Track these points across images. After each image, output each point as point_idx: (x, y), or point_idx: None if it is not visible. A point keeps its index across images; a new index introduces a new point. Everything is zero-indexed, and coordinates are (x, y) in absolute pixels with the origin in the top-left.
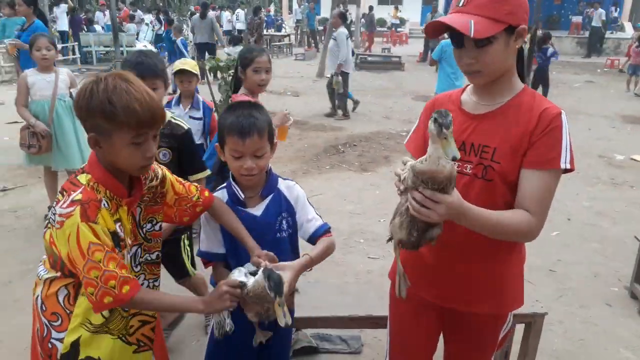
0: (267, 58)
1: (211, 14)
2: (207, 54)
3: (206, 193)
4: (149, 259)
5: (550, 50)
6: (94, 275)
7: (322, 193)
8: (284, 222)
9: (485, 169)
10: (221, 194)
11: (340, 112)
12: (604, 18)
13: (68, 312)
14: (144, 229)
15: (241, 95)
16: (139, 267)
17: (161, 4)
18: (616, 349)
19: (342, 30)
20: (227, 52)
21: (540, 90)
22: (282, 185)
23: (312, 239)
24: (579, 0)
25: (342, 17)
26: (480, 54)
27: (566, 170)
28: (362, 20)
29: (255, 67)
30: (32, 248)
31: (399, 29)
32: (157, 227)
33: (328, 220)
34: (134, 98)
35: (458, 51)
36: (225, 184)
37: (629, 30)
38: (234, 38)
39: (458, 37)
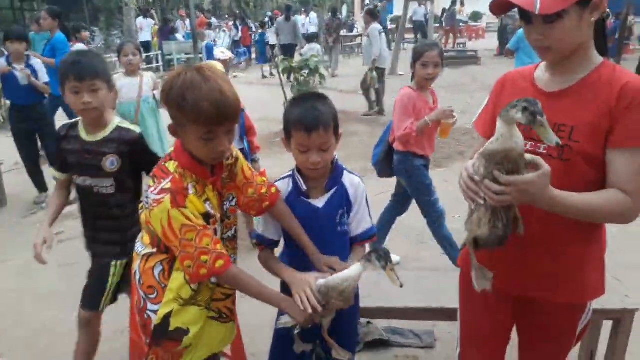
0: (438, 53)
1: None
2: (290, 56)
3: (273, 189)
4: (230, 235)
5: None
6: (189, 251)
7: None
8: (345, 216)
9: (562, 149)
10: (285, 184)
11: (377, 108)
12: None
13: (163, 286)
14: (225, 207)
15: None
16: (226, 243)
17: (237, 11)
18: None
19: (375, 26)
20: (300, 53)
21: None
22: (346, 179)
23: (355, 239)
24: None
25: (372, 14)
26: (549, 30)
27: None
28: (444, 15)
29: (424, 61)
30: None
31: (474, 24)
32: (233, 203)
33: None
34: (204, 95)
35: (527, 27)
36: (289, 174)
37: None
38: (309, 37)
39: (525, 13)
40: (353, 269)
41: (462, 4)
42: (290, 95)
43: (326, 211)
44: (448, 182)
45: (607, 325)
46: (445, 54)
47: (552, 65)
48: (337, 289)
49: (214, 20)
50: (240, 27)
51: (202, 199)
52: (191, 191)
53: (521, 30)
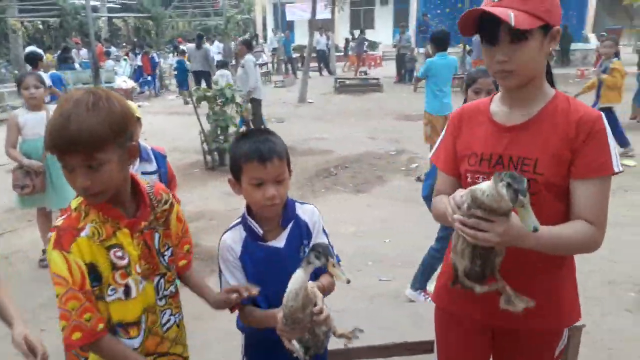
0: (492, 80)
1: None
2: (203, 81)
3: (186, 247)
4: (172, 290)
5: None
6: (59, 307)
7: (322, 216)
8: (306, 249)
9: (528, 182)
10: (236, 232)
11: None
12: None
13: (83, 359)
14: (165, 257)
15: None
16: (163, 301)
17: (135, 39)
18: None
19: (249, 57)
20: (213, 80)
21: None
22: (300, 210)
23: (320, 269)
24: None
25: (248, 45)
26: (514, 51)
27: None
28: (351, 43)
29: (476, 88)
30: (27, 296)
31: (372, 52)
32: (169, 253)
33: (333, 243)
34: (52, 120)
35: (490, 50)
36: (238, 221)
37: (593, 41)
38: (219, 64)
39: (492, 34)
40: (294, 276)
41: (363, 32)
42: (206, 124)
43: (288, 250)
44: (372, 207)
45: None
46: (348, 82)
47: (508, 98)
48: (292, 301)
49: (112, 49)
50: (140, 55)
51: (105, 243)
52: (85, 233)
53: (430, 60)
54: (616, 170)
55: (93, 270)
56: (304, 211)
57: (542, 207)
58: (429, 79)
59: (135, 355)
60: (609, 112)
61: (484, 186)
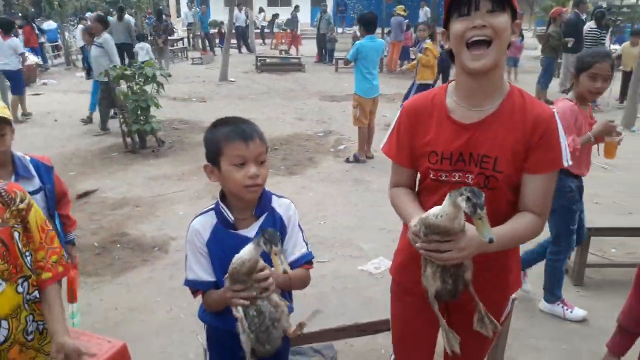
0: (610, 64)
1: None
2: (125, 54)
3: (60, 268)
4: (37, 295)
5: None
6: None
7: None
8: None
9: (488, 179)
10: (207, 217)
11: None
12: None
13: None
14: (28, 258)
15: None
16: (27, 306)
17: (32, 10)
18: (562, 321)
19: (108, 36)
20: (134, 51)
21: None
22: (276, 203)
23: (291, 266)
24: None
25: (102, 22)
26: (492, 18)
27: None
28: (277, 21)
29: (592, 73)
30: None
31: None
32: (32, 256)
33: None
34: None
35: (465, 20)
36: (211, 207)
37: None
38: (137, 36)
39: (471, 1)
40: (245, 250)
41: (262, 10)
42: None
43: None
44: (306, 189)
45: None
46: (269, 60)
47: (467, 90)
48: (237, 265)
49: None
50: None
51: None
52: None
53: (359, 43)
54: (565, 164)
55: None
56: (280, 204)
57: (500, 201)
58: (358, 62)
59: None
60: (428, 87)
61: (437, 210)
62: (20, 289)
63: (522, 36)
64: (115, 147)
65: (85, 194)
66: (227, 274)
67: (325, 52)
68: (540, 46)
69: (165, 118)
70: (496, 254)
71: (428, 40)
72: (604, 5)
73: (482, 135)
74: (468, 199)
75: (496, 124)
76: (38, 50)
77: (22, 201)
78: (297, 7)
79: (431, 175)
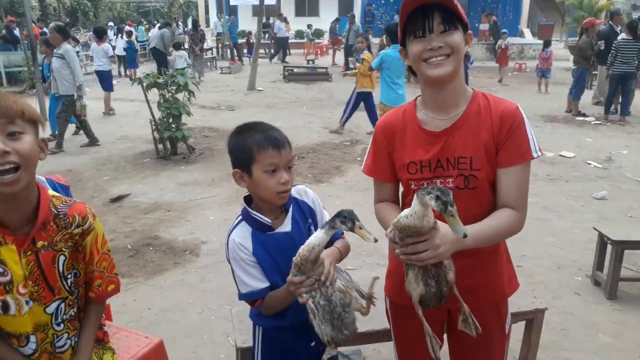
0: None
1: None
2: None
3: (111, 287)
4: (72, 314)
5: (471, 56)
6: None
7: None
8: (312, 227)
9: (467, 179)
10: (242, 229)
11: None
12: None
13: None
14: (69, 280)
15: None
16: (62, 326)
17: (68, 20)
18: (595, 335)
19: (68, 46)
20: (170, 59)
21: None
22: (294, 192)
23: (331, 241)
24: (482, 10)
25: (62, 32)
26: (447, 37)
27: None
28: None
29: None
30: None
31: (318, 41)
32: (74, 276)
33: None
34: None
35: (422, 41)
36: (240, 218)
37: (528, 36)
38: (175, 45)
39: (425, 24)
40: (317, 235)
41: (287, 22)
42: (157, 112)
43: (296, 232)
44: (333, 197)
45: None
46: (296, 70)
47: (433, 101)
48: (305, 251)
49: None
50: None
51: None
52: None
53: (384, 52)
54: (535, 155)
55: None
56: (298, 192)
57: (482, 202)
58: (383, 71)
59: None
60: (367, 96)
61: (405, 211)
62: (49, 310)
63: (368, 48)
64: (148, 153)
65: (119, 198)
66: (293, 264)
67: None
68: (572, 57)
69: (195, 126)
70: (481, 257)
71: (366, 51)
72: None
73: (454, 139)
74: (437, 198)
75: (465, 126)
76: None
77: (78, 226)
78: (337, 19)
79: (413, 186)
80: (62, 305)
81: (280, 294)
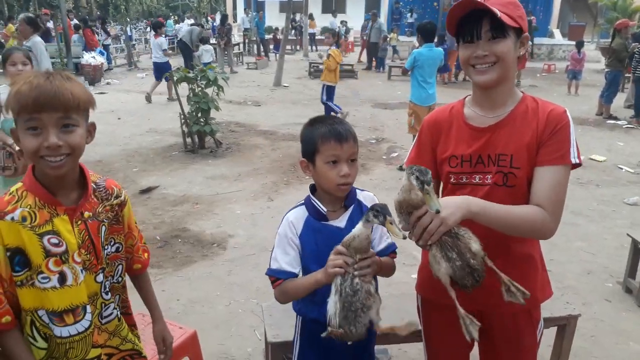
0: None
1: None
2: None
3: (146, 254)
4: (114, 281)
5: None
6: None
7: None
8: None
9: (506, 176)
10: (300, 211)
11: None
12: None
13: None
14: (106, 251)
15: None
16: (109, 295)
17: (98, 13)
18: (626, 343)
19: (37, 39)
20: (197, 54)
21: None
22: (361, 196)
23: (378, 255)
24: None
25: (33, 24)
26: (494, 46)
27: (574, 166)
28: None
29: None
30: None
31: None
32: (114, 249)
33: None
34: (28, 82)
35: (469, 47)
36: (301, 202)
37: (558, 37)
38: (202, 39)
39: (473, 31)
40: (356, 227)
41: (312, 19)
42: (186, 106)
43: (349, 230)
44: (377, 188)
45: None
46: (322, 67)
47: (482, 100)
48: (349, 239)
49: (75, 21)
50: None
51: (38, 230)
52: (14, 217)
53: (416, 51)
54: (573, 161)
55: (20, 255)
56: (365, 197)
57: (517, 199)
58: (414, 70)
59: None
60: (330, 89)
61: (399, 190)
62: (98, 279)
63: (336, 44)
64: (176, 146)
65: (148, 189)
66: (334, 250)
67: (377, 61)
68: (603, 59)
69: (222, 120)
70: (512, 259)
71: (333, 47)
72: None
73: (498, 136)
74: (417, 178)
75: (510, 124)
76: (103, 52)
77: (117, 197)
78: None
79: (452, 180)
80: (102, 275)
81: (306, 281)
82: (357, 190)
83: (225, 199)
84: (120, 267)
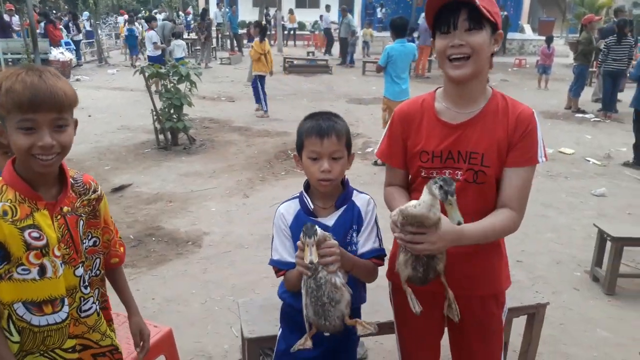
0: None
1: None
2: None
3: (122, 249)
4: (93, 275)
5: None
6: None
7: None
8: (354, 235)
9: (477, 174)
10: (292, 204)
11: None
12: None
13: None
14: (84, 245)
15: None
16: (88, 289)
17: (67, 7)
18: (594, 330)
19: None
20: (169, 49)
21: None
22: (356, 197)
23: (361, 256)
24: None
25: None
26: (470, 36)
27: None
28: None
29: None
30: None
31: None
32: (91, 243)
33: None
34: (19, 79)
35: (445, 37)
36: (296, 195)
37: (529, 32)
38: (175, 33)
39: (450, 20)
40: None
41: (292, 13)
42: (158, 103)
43: (336, 229)
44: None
45: (518, 318)
46: (296, 62)
47: (454, 94)
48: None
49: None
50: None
51: (19, 224)
52: None
53: (389, 47)
54: (540, 161)
55: (0, 249)
56: (360, 199)
57: (487, 198)
58: (388, 65)
59: (10, 357)
60: (260, 78)
61: (413, 201)
62: (77, 273)
63: (260, 36)
64: (149, 143)
65: (120, 188)
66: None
67: (343, 55)
68: (572, 54)
69: (196, 116)
70: (483, 246)
71: (256, 39)
72: None
73: (469, 133)
74: (440, 187)
75: (481, 123)
76: (69, 42)
77: (94, 192)
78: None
79: (422, 174)
80: (82, 269)
81: (294, 273)
82: (355, 192)
83: (200, 196)
84: (97, 260)
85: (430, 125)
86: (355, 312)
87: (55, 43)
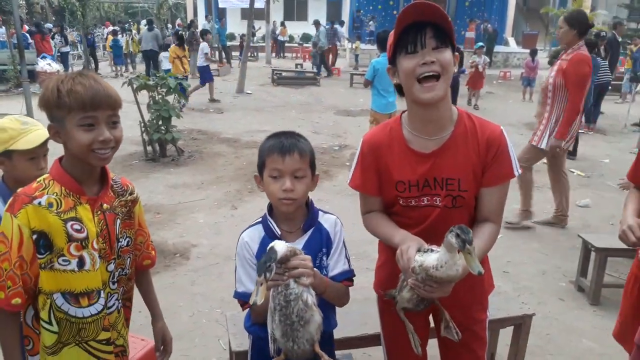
0: None
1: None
2: (151, 62)
3: (153, 252)
4: (122, 273)
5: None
6: None
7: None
8: (324, 258)
9: (455, 199)
10: (255, 230)
11: None
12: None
13: (37, 332)
14: (119, 244)
15: None
16: (116, 285)
17: (54, 18)
18: (579, 340)
19: None
20: (159, 60)
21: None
22: (323, 219)
23: (332, 280)
24: (469, 19)
25: None
26: (439, 54)
27: None
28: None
29: None
30: None
31: (306, 45)
32: (125, 243)
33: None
34: (77, 81)
35: (415, 57)
36: (259, 220)
37: (513, 45)
38: (162, 45)
39: (417, 39)
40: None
41: (284, 26)
42: (146, 114)
43: (305, 254)
44: (322, 202)
45: (505, 329)
46: (284, 74)
47: (421, 120)
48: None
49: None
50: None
51: (63, 216)
52: (41, 202)
53: (375, 61)
54: (515, 174)
55: (43, 238)
56: (326, 220)
57: (463, 216)
58: (374, 79)
59: (18, 355)
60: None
61: (435, 261)
62: (110, 268)
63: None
64: (136, 155)
65: None
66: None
67: (322, 67)
68: None
69: (184, 128)
70: None
71: (172, 46)
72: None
73: (443, 161)
74: (457, 236)
75: (453, 149)
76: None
77: (130, 194)
78: (333, 22)
79: (401, 202)
80: (113, 265)
81: (262, 305)
82: (320, 212)
83: (188, 208)
84: (128, 260)
85: (401, 154)
86: (327, 341)
87: (42, 54)
